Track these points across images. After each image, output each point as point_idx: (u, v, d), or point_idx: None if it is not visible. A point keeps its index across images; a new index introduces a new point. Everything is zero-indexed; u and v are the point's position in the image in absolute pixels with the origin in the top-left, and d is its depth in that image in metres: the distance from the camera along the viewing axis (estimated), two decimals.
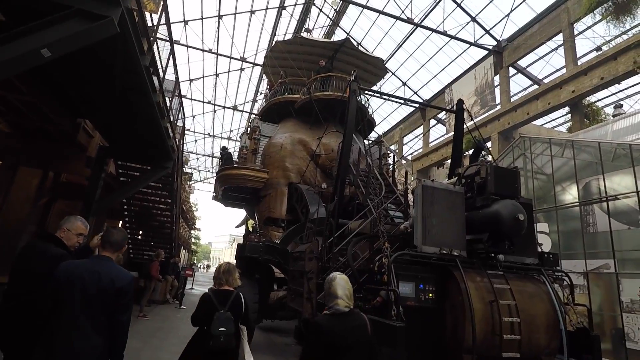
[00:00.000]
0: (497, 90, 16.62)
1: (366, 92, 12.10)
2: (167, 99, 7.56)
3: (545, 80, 15.70)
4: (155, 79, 6.11)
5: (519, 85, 17.51)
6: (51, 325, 2.22)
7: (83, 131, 8.30)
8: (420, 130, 22.89)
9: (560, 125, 16.56)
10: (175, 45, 19.42)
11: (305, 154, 13.16)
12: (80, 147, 8.60)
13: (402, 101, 9.62)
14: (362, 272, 5.67)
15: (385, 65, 20.24)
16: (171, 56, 7.38)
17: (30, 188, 9.31)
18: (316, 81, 13.84)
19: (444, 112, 18.95)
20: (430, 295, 4.89)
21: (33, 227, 10.65)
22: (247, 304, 3.21)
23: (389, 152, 12.57)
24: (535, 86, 15.96)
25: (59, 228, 2.98)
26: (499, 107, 16.18)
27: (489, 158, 8.37)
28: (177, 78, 8.59)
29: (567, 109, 14.41)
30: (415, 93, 21.02)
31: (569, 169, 9.08)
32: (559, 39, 14.27)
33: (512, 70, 16.66)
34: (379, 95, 13.05)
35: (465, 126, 9.22)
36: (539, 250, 5.86)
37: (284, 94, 15.37)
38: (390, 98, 9.84)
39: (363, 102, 14.61)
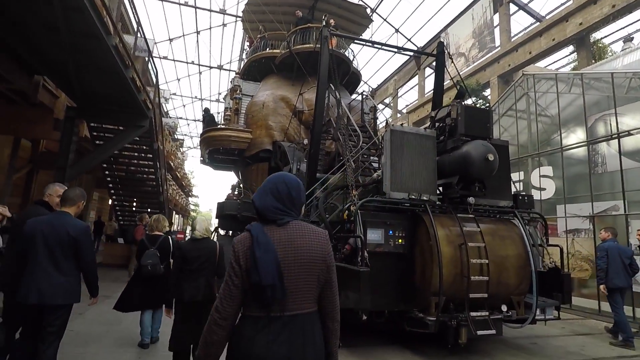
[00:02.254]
0: (497, 31, 15.46)
1: (341, 37, 11.47)
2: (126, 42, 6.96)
3: (548, 17, 14.25)
4: (109, 20, 5.50)
5: (520, 24, 16.15)
6: (26, 269, 2.86)
7: (45, 90, 7.75)
8: (414, 81, 21.91)
9: (564, 67, 15.09)
10: (149, 1, 18.35)
11: (288, 111, 12.77)
12: (45, 109, 8.12)
13: (378, 46, 9.09)
14: (336, 223, 5.59)
15: (376, 12, 19.16)
16: None
17: (1, 158, 9.04)
18: (296, 34, 13.15)
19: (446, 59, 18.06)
20: (400, 241, 4.83)
21: (15, 199, 10.48)
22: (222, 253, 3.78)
23: (373, 104, 12.13)
24: (537, 24, 14.56)
25: (43, 195, 3.57)
26: (498, 49, 15.14)
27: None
28: (132, 2, 7.71)
29: (571, 48, 13.28)
30: (409, 40, 19.78)
31: (576, 108, 8.40)
32: None
33: (512, 8, 15.33)
34: (353, 39, 12.44)
35: (456, 72, 8.81)
36: (514, 192, 5.74)
37: (264, 49, 14.69)
38: (365, 43, 9.30)
39: (347, 55, 14.02)
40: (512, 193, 5.62)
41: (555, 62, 15.07)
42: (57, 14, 4.80)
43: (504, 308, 4.69)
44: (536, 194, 8.66)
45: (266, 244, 1.43)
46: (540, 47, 13.17)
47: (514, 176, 9.36)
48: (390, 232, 4.77)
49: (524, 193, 5.71)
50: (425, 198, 4.87)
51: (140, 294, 4.36)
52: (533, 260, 4.85)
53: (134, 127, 8.35)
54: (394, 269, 4.75)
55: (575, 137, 8.33)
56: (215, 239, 4.37)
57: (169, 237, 4.65)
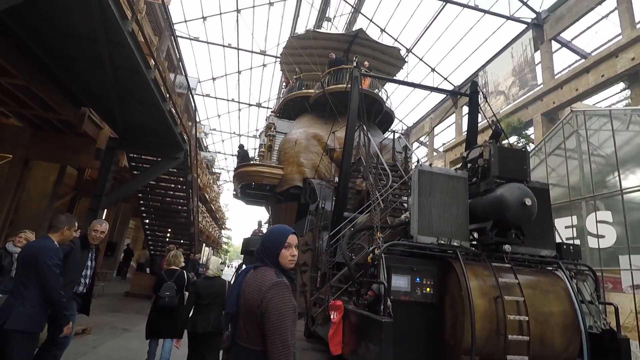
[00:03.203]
0: (538, 69, 14.91)
1: (373, 77, 11.56)
2: (169, 76, 7.35)
3: (594, 54, 13.56)
4: (150, 55, 5.88)
5: (562, 62, 15.37)
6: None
7: (90, 121, 8.30)
8: (452, 119, 21.43)
9: (615, 104, 14.00)
10: (195, 43, 19.80)
11: (320, 149, 12.87)
12: (88, 139, 8.64)
13: (412, 87, 9.06)
14: (361, 266, 5.32)
15: (412, 51, 19.36)
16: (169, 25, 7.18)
17: (46, 184, 9.63)
18: (330, 75, 13.52)
19: (480, 98, 17.62)
20: (428, 289, 4.46)
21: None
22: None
23: (406, 144, 11.98)
24: (582, 61, 13.93)
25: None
26: (541, 86, 14.56)
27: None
28: (176, 42, 8.24)
29: (621, 85, 12.29)
30: (445, 79, 19.52)
31: (635, 147, 7.64)
32: (610, 3, 12.30)
33: (555, 45, 14.80)
34: (385, 80, 12.47)
35: (491, 112, 8.53)
36: (559, 240, 5.23)
37: (299, 89, 15.18)
38: (398, 82, 9.29)
39: (380, 94, 14.14)
40: (556, 242, 5.12)
41: (604, 99, 14.05)
42: (102, 49, 5.20)
43: None
44: (593, 242, 7.75)
45: (238, 282, 1.75)
46: (588, 83, 12.45)
47: (566, 221, 8.55)
48: (418, 279, 4.43)
49: (570, 242, 5.19)
50: (456, 244, 4.53)
51: (155, 323, 4.66)
52: (582, 319, 4.29)
53: (170, 159, 8.67)
54: (421, 320, 4.36)
55: (635, 178, 7.47)
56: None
57: (184, 271, 5.06)
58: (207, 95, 25.15)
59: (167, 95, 7.01)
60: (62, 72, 6.25)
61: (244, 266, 12.28)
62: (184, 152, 8.84)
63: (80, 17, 4.85)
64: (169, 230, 13.43)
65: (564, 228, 8.59)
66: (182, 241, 13.60)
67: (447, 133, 22.84)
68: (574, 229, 8.44)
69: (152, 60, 6.03)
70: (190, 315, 3.92)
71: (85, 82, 6.50)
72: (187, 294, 4.57)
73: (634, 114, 7.71)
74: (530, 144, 14.38)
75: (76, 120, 7.88)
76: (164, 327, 4.59)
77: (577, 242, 8.10)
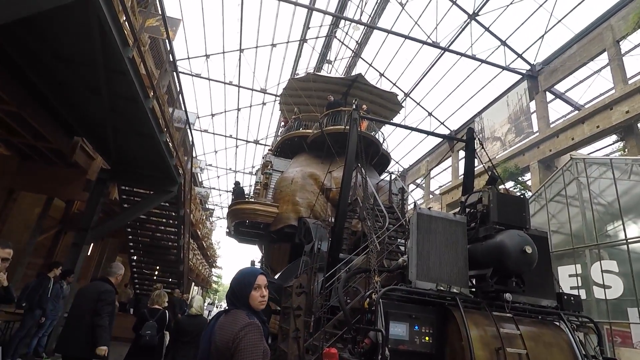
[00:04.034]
0: (534, 117, 15.46)
1: (371, 120, 11.81)
2: (166, 109, 7.28)
3: (587, 106, 14.15)
4: (149, 84, 5.80)
5: (556, 112, 16.08)
6: None
7: (82, 151, 8.10)
8: (448, 162, 21.67)
9: (610, 155, 14.42)
10: (197, 79, 20.33)
11: (316, 188, 12.89)
12: (79, 169, 8.40)
13: (409, 130, 9.26)
14: (357, 311, 5.13)
15: (410, 96, 20.03)
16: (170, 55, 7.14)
17: (30, 216, 9.30)
18: (328, 116, 13.85)
19: (477, 144, 18.03)
20: (427, 338, 4.27)
21: (36, 259, 10.56)
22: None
23: (402, 186, 12.06)
24: (576, 112, 14.56)
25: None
26: (536, 134, 14.97)
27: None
28: (177, 77, 8.06)
29: (614, 137, 12.71)
30: (442, 123, 20.03)
31: (636, 197, 7.71)
32: (602, 58, 13.01)
33: (549, 96, 15.44)
34: (382, 122, 12.74)
35: (487, 158, 8.66)
36: (559, 290, 5.12)
37: (297, 129, 15.47)
38: (395, 125, 9.50)
39: (377, 137, 14.43)
40: (557, 292, 5.02)
41: (599, 149, 14.27)
42: (100, 76, 5.13)
43: None
44: (599, 292, 7.64)
45: (209, 327, 1.81)
46: (584, 133, 12.81)
47: (569, 269, 8.43)
48: (416, 327, 4.25)
49: (570, 293, 5.09)
50: (455, 290, 4.41)
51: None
52: None
53: (163, 192, 8.44)
54: None
55: (638, 228, 7.47)
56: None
57: (167, 312, 5.18)
58: (205, 131, 25.45)
59: (165, 127, 6.93)
60: (56, 99, 6.09)
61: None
62: (178, 185, 8.66)
63: (79, 41, 4.70)
64: (157, 267, 13.01)
65: (567, 276, 8.43)
66: (170, 280, 13.13)
67: (444, 176, 23.12)
68: (579, 277, 8.29)
69: (152, 92, 5.99)
70: (168, 351, 4.25)
71: (81, 110, 6.35)
72: (167, 334, 4.96)
73: (635, 164, 7.83)
74: (527, 190, 14.52)
75: (68, 150, 7.67)
76: None
77: (582, 291, 7.93)
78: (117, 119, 6.33)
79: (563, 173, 9.34)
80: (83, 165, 8.42)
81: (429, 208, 5.05)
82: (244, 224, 14.12)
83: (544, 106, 15.13)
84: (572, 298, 4.93)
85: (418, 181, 24.88)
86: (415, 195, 25.36)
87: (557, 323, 4.74)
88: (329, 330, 5.31)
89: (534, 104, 15.53)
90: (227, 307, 1.84)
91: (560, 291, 5.15)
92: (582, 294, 7.96)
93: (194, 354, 4.06)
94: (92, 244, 14.14)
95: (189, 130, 9.69)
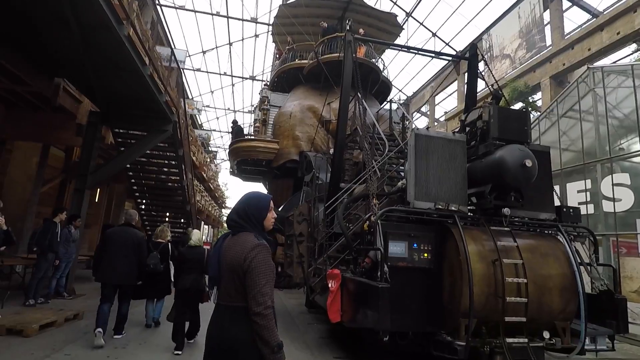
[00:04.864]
0: (547, 29, 14.27)
1: (366, 42, 11.11)
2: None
3: (606, 12, 12.74)
4: (120, 7, 5.16)
5: (572, 22, 14.73)
6: None
7: (66, 94, 7.77)
8: (453, 87, 20.39)
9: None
10: (182, 14, 18.98)
11: (315, 121, 12.63)
12: (67, 114, 8.14)
13: (406, 50, 8.73)
14: (358, 235, 5.25)
15: (412, 15, 18.61)
16: None
17: (29, 166, 9.23)
18: (323, 44, 13.10)
19: (482, 64, 17.00)
20: (426, 255, 4.40)
21: (45, 208, 10.75)
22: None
23: (403, 113, 11.73)
24: (593, 20, 13.19)
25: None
26: (549, 48, 13.94)
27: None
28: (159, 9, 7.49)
29: (633, 47, 11.66)
30: (447, 44, 18.59)
31: None
32: None
33: (565, 3, 14.11)
34: (380, 43, 12.02)
35: (492, 76, 8.23)
36: (558, 203, 5.15)
37: (292, 60, 14.75)
38: (390, 46, 8.96)
39: (377, 64, 13.76)
40: (555, 205, 5.03)
41: (616, 61, 13.02)
42: (63, 1, 4.69)
43: (547, 335, 4.11)
44: (608, 206, 7.62)
45: (217, 247, 1.93)
46: (602, 42, 11.81)
47: (578, 185, 8.43)
48: (415, 245, 4.35)
49: (570, 206, 5.11)
50: (454, 208, 4.43)
51: (144, 287, 5.48)
52: (581, 281, 4.25)
53: (158, 132, 8.23)
54: (419, 286, 4.31)
55: None
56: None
57: (169, 244, 5.87)
58: (198, 70, 24.46)
59: (147, 59, 6.44)
60: (23, 35, 5.70)
61: None
62: (173, 124, 8.42)
63: None
64: (166, 211, 13.29)
65: (576, 192, 8.44)
66: (181, 220, 13.50)
67: (449, 102, 22.30)
68: (587, 193, 8.26)
69: (123, 13, 5.34)
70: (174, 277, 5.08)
71: (54, 48, 5.95)
72: (171, 262, 5.66)
73: None
74: (536, 111, 14.00)
75: (50, 93, 7.34)
76: (151, 290, 5.57)
77: (590, 206, 7.96)
78: (93, 54, 5.89)
79: (578, 85, 8.83)
80: (70, 109, 8.13)
81: (427, 128, 4.90)
82: (246, 162, 14.14)
83: (559, 15, 13.92)
84: (571, 210, 4.96)
85: (422, 109, 24.21)
86: (419, 124, 24.77)
87: (556, 235, 4.84)
88: (332, 254, 5.49)
89: (548, 13, 14.30)
90: (231, 230, 1.95)
91: (560, 204, 5.17)
92: (590, 208, 8.00)
93: (194, 278, 4.74)
94: (98, 191, 14.42)
95: (174, 59, 9.13)
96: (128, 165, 9.94)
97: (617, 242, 7.34)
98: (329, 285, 4.81)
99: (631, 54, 12.04)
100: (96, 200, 14.29)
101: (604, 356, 5.43)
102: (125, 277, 4.84)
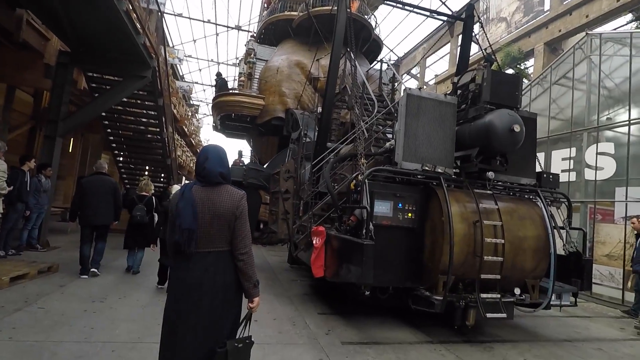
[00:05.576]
0: None
1: None
2: None
3: None
4: None
5: None
6: None
7: (31, 28, 7.07)
8: (446, 49, 19.90)
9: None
10: None
11: (303, 78, 12.28)
12: (33, 52, 7.44)
13: (401, 5, 8.41)
14: (344, 195, 5.29)
15: None
16: None
17: None
18: None
19: (477, 27, 16.57)
20: (410, 215, 4.51)
21: (13, 157, 10.22)
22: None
23: (393, 73, 11.50)
24: None
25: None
26: (547, 13, 13.63)
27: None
28: None
29: (629, 16, 11.44)
30: (444, 3, 18.30)
31: None
32: None
33: None
34: None
35: (486, 38, 8.06)
36: (539, 170, 5.29)
37: (282, 11, 14.02)
38: (384, 1, 8.59)
39: (369, 20, 13.25)
40: (536, 171, 5.18)
41: (614, 29, 13.24)
42: None
43: (517, 291, 4.37)
44: (590, 174, 7.77)
45: (190, 199, 1.95)
46: (600, 9, 11.58)
47: (563, 153, 8.58)
48: (400, 204, 4.44)
49: (549, 172, 5.26)
50: (440, 170, 4.49)
51: (130, 237, 5.87)
52: (553, 243, 4.48)
53: (135, 78, 7.67)
54: (402, 244, 4.45)
55: None
56: None
57: (153, 197, 6.17)
58: (180, 15, 22.96)
59: None
60: None
61: None
62: (152, 70, 7.86)
63: None
64: (146, 165, 12.93)
65: (560, 160, 8.61)
66: (162, 175, 13.21)
67: (440, 64, 21.90)
68: (571, 161, 8.38)
69: None
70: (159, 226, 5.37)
71: None
72: (156, 215, 5.95)
73: None
74: (525, 79, 14.00)
75: (12, 27, 6.62)
76: (138, 240, 5.84)
77: (573, 174, 8.18)
78: None
79: (574, 51, 8.74)
80: (36, 47, 7.43)
81: (420, 89, 4.83)
82: (229, 118, 13.77)
83: None
84: (550, 176, 5.11)
85: (413, 71, 23.77)
86: (409, 86, 24.45)
87: (534, 199, 5.01)
88: (317, 212, 5.56)
89: None
90: (208, 183, 2.05)
91: (540, 170, 5.32)
92: (572, 176, 8.20)
93: None
94: (72, 141, 13.84)
95: (156, 5, 8.46)
96: (103, 114, 9.37)
97: (594, 209, 7.64)
98: (314, 241, 4.89)
99: (626, 24, 11.95)
100: (69, 150, 13.75)
101: (566, 311, 5.87)
102: (106, 218, 5.59)
